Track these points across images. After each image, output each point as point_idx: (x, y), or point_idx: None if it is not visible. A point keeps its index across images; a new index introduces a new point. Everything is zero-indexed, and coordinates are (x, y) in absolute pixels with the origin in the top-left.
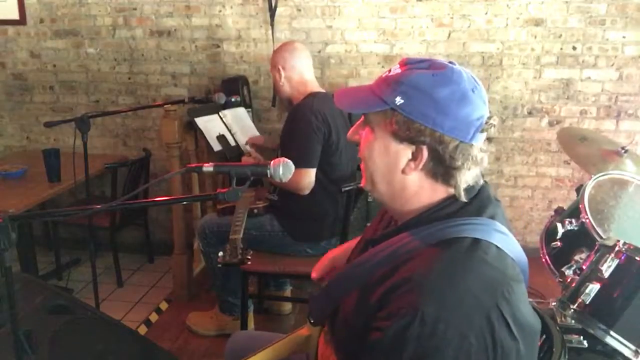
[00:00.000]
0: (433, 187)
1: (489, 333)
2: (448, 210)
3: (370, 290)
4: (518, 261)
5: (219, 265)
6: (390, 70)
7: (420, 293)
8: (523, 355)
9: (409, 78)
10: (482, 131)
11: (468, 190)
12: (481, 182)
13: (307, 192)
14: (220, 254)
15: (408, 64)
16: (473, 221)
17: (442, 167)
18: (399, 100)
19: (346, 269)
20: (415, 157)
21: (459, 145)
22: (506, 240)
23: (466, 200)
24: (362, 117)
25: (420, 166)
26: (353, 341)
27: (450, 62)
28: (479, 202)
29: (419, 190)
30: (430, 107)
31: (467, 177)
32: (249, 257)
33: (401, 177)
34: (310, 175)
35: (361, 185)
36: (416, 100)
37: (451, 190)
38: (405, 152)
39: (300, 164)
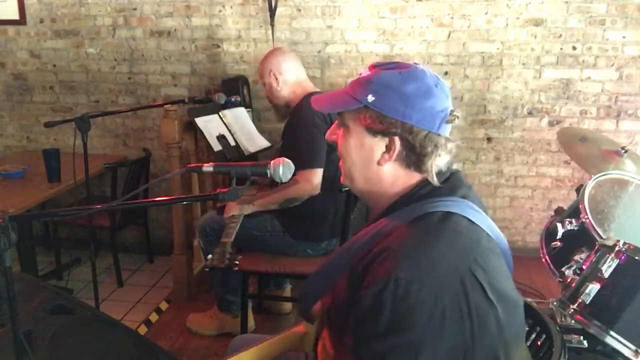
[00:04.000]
0: (407, 175)
1: (463, 298)
2: (421, 192)
3: (354, 272)
4: (496, 240)
5: (206, 270)
6: (361, 74)
7: (395, 259)
8: (503, 321)
9: (378, 77)
10: (447, 122)
11: (439, 174)
12: (453, 168)
13: (318, 191)
14: (209, 256)
15: (377, 66)
16: (445, 199)
17: (414, 155)
18: (370, 97)
19: (328, 259)
20: (388, 148)
21: (427, 134)
22: (480, 217)
23: (438, 184)
24: (338, 119)
25: (394, 156)
26: (343, 325)
27: (415, 63)
28: (451, 184)
29: (395, 180)
30: (399, 102)
31: (437, 162)
32: (237, 262)
33: (377, 168)
34: (319, 175)
35: (340, 180)
36: (386, 97)
37: (424, 176)
38: (379, 144)
39: (310, 164)
